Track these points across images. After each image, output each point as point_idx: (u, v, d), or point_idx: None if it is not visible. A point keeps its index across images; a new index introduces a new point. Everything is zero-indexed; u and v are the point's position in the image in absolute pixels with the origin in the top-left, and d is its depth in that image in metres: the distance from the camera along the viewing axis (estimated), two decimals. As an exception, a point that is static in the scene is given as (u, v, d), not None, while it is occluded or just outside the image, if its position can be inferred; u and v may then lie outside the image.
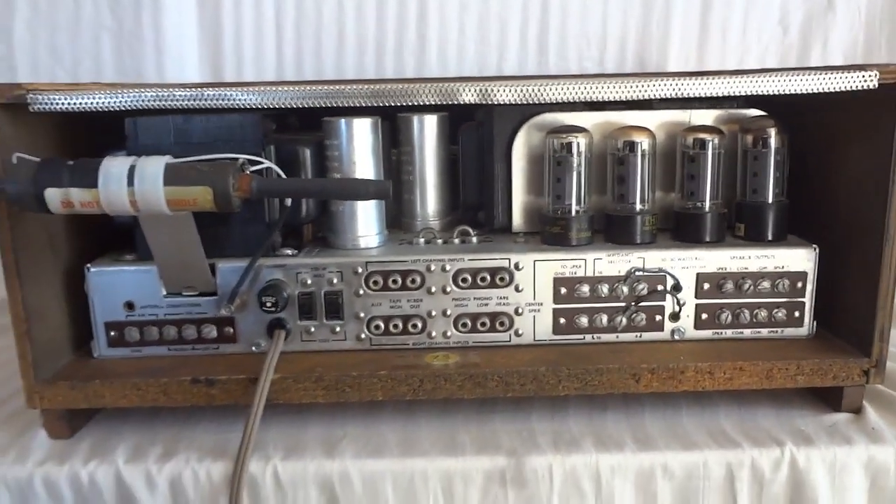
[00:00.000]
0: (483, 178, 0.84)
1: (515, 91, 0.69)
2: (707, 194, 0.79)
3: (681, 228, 0.80)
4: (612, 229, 0.79)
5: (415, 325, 0.76)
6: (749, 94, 0.70)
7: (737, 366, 0.73)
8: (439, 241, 0.80)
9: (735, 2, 1.16)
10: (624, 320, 0.77)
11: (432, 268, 0.75)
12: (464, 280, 0.75)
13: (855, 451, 0.69)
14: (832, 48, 1.17)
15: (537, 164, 0.81)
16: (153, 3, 1.14)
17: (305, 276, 0.74)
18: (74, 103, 0.67)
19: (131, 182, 0.64)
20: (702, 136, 0.78)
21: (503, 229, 0.83)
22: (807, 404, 0.77)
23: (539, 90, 0.69)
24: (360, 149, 0.76)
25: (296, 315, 0.75)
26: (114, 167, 0.64)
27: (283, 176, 0.71)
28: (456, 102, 0.70)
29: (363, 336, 0.76)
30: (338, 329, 0.76)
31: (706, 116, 0.81)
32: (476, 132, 0.84)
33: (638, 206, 0.78)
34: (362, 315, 0.76)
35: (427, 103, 0.69)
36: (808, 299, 0.77)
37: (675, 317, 0.77)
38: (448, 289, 0.75)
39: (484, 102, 0.70)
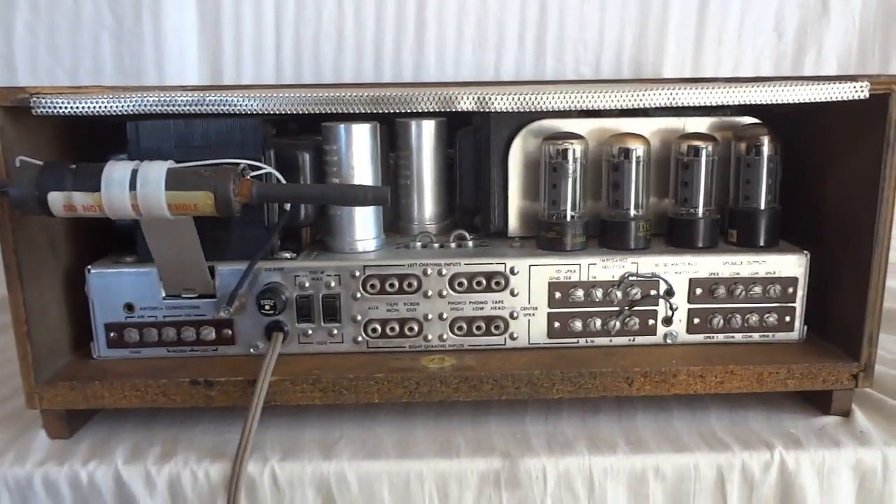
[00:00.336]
0: (480, 183, 0.85)
1: (513, 99, 0.70)
2: (700, 201, 0.80)
3: (674, 234, 0.81)
4: (607, 235, 0.80)
5: (411, 329, 0.77)
6: (742, 103, 0.71)
7: (728, 369, 0.74)
8: (436, 245, 0.81)
9: (731, 8, 1.17)
10: (617, 324, 0.78)
11: (429, 271, 0.76)
12: (460, 284, 0.76)
13: (843, 453, 0.70)
14: (826, 54, 1.18)
15: (533, 170, 0.82)
16: (153, 3, 1.15)
17: (303, 280, 0.75)
18: (77, 107, 0.68)
19: (133, 186, 0.64)
20: (696, 143, 0.79)
21: (499, 234, 0.84)
22: (797, 408, 0.79)
23: (536, 98, 0.70)
24: (359, 154, 0.77)
25: (294, 318, 0.76)
26: (116, 171, 0.65)
27: (283, 181, 0.72)
28: (454, 110, 0.70)
29: (360, 339, 0.77)
30: (335, 332, 0.77)
31: (700, 124, 0.83)
32: (473, 137, 0.85)
33: (632, 212, 0.79)
34: (359, 318, 0.76)
35: (425, 110, 0.70)
36: (798, 304, 0.78)
37: (667, 321, 0.78)
38: (444, 292, 0.76)
39: (481, 110, 0.71)
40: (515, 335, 0.78)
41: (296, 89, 0.71)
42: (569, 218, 0.79)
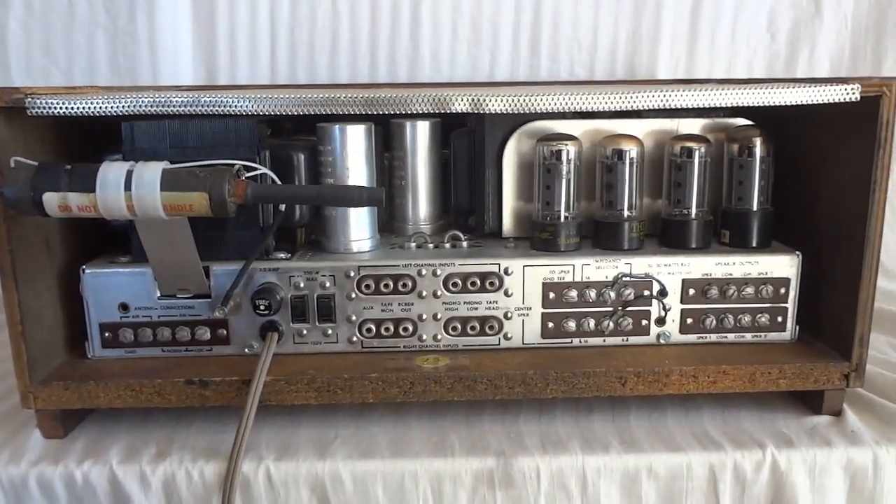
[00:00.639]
0: (474, 184, 0.86)
1: (507, 101, 0.70)
2: (693, 202, 0.80)
3: (667, 235, 0.82)
4: (601, 235, 0.81)
5: (406, 329, 0.77)
6: (735, 105, 0.71)
7: (720, 369, 0.74)
8: (430, 245, 0.81)
9: (724, 9, 1.18)
10: (611, 325, 0.78)
11: (423, 272, 0.76)
12: (454, 284, 0.77)
13: (835, 453, 0.71)
14: (819, 55, 1.19)
15: (527, 171, 0.82)
16: (147, 3, 1.15)
17: (298, 280, 0.76)
18: (72, 107, 0.68)
19: (129, 187, 0.64)
20: (689, 144, 0.80)
21: (493, 234, 0.85)
22: (789, 407, 0.79)
23: (531, 100, 0.70)
24: (354, 154, 0.77)
25: (288, 318, 0.76)
26: (111, 172, 0.65)
27: (278, 181, 0.72)
28: (448, 111, 0.71)
29: (355, 339, 0.77)
30: (330, 332, 0.77)
31: (693, 125, 0.83)
32: (468, 138, 0.86)
33: (626, 213, 0.80)
34: (354, 318, 0.77)
35: (420, 112, 0.70)
36: (790, 305, 0.79)
37: (660, 321, 0.79)
38: (439, 293, 0.77)
39: (476, 111, 0.71)
40: (509, 335, 0.78)
41: (290, 90, 0.72)
42: (563, 219, 0.79)
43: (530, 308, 0.78)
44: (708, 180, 0.81)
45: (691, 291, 0.78)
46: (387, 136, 0.86)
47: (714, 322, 0.79)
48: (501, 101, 0.70)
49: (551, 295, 0.77)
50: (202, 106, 0.69)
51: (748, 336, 0.79)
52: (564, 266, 0.77)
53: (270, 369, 0.72)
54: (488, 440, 0.73)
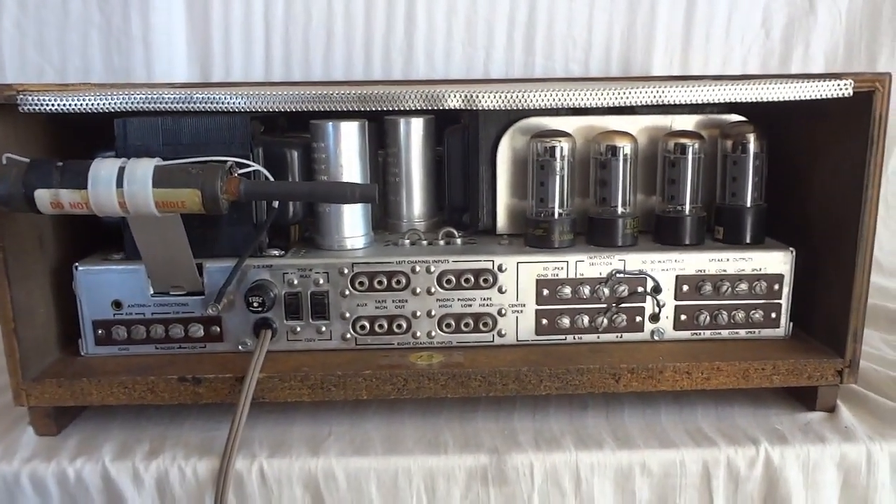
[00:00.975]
0: (468, 181, 0.85)
1: (500, 97, 0.70)
2: (687, 198, 0.80)
3: (661, 231, 0.82)
4: (594, 232, 0.81)
5: (399, 326, 0.77)
6: (729, 101, 0.71)
7: (714, 366, 0.74)
8: (424, 242, 0.81)
9: (718, 6, 1.17)
10: (605, 321, 0.78)
11: (417, 269, 0.76)
12: (448, 281, 0.76)
13: (828, 449, 0.71)
14: (814, 52, 1.19)
15: (521, 168, 0.82)
16: (141, 1, 1.14)
17: (292, 277, 0.75)
18: (64, 104, 0.68)
19: (120, 184, 0.64)
20: (682, 140, 0.80)
21: (487, 231, 0.85)
22: (782, 404, 0.79)
23: (524, 96, 0.70)
24: (347, 151, 0.77)
25: (282, 315, 0.76)
26: (103, 169, 0.65)
27: (271, 178, 0.72)
28: (442, 108, 0.71)
29: (348, 336, 0.77)
30: (323, 329, 0.77)
31: (687, 121, 0.83)
32: (461, 135, 0.85)
33: (620, 210, 0.80)
34: (348, 315, 0.77)
35: (413, 108, 0.70)
36: (784, 301, 0.79)
37: (654, 318, 0.79)
38: (432, 290, 0.76)
39: (469, 108, 0.71)
40: (503, 332, 0.78)
41: (284, 87, 0.71)
42: (556, 215, 0.79)
43: (524, 305, 0.78)
44: (702, 177, 0.81)
45: (685, 288, 0.78)
46: (381, 133, 0.86)
47: (708, 318, 0.79)
48: (494, 97, 0.70)
49: (545, 292, 0.77)
50: (195, 102, 0.69)
51: (742, 332, 0.79)
52: (558, 263, 0.77)
53: (264, 366, 0.72)
54: (482, 437, 0.73)
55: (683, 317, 0.79)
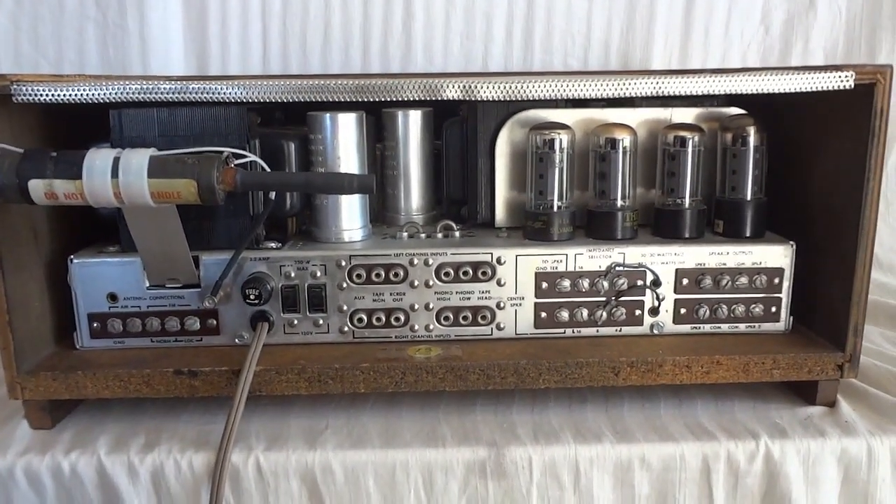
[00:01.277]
0: (466, 174, 0.85)
1: (499, 87, 0.70)
2: (687, 191, 0.80)
3: (661, 225, 0.81)
4: (594, 225, 0.80)
5: (397, 319, 0.76)
6: (728, 92, 0.71)
7: (714, 360, 0.74)
8: (423, 235, 0.80)
9: (718, 1, 1.17)
10: (604, 315, 0.78)
11: (415, 262, 0.76)
12: (446, 274, 0.76)
13: (828, 443, 0.71)
14: (813, 47, 1.19)
15: (520, 160, 0.82)
16: (138, -6, 1.14)
17: (289, 269, 0.75)
18: (59, 95, 0.67)
19: (115, 174, 0.64)
20: (682, 133, 0.79)
21: (486, 224, 0.84)
22: (782, 398, 0.79)
23: (522, 87, 0.70)
24: (345, 143, 0.76)
25: (279, 308, 0.76)
26: (98, 159, 0.64)
27: (268, 169, 0.71)
28: (440, 98, 0.70)
29: (346, 329, 0.77)
30: (321, 322, 0.76)
31: (687, 114, 0.83)
32: (460, 128, 0.85)
33: (619, 203, 0.79)
34: (345, 308, 0.76)
35: (411, 99, 0.70)
36: (784, 295, 0.78)
37: (654, 311, 0.78)
38: (431, 283, 0.76)
39: (467, 98, 0.71)
40: (502, 325, 0.78)
41: (280, 79, 0.71)
42: (555, 208, 0.79)
43: (523, 298, 0.77)
44: (701, 170, 0.81)
45: (685, 281, 0.78)
46: (379, 126, 0.86)
47: (708, 312, 0.78)
48: (493, 87, 0.70)
49: (544, 285, 0.77)
50: (190, 93, 0.69)
51: (742, 326, 0.79)
52: (557, 256, 0.77)
53: (260, 359, 0.71)
54: (480, 431, 0.73)
55: (683, 310, 0.78)
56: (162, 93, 0.69)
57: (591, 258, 0.77)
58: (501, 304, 0.77)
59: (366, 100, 0.70)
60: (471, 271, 0.76)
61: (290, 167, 0.76)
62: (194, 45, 1.17)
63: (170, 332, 0.76)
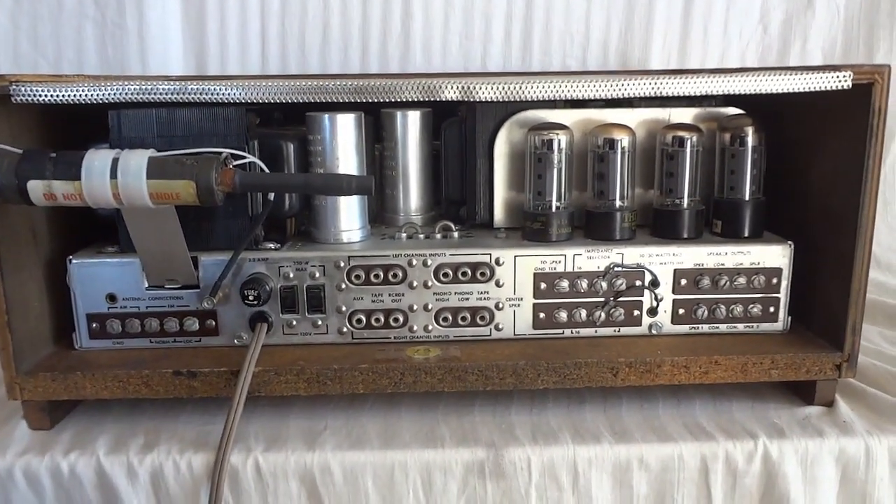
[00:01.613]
0: (465, 174, 0.85)
1: (497, 88, 0.70)
2: (685, 191, 0.80)
3: (659, 225, 0.81)
4: (592, 225, 0.80)
5: (396, 319, 0.76)
6: (727, 93, 0.71)
7: (712, 360, 0.74)
8: (421, 236, 0.80)
9: (716, 1, 1.17)
10: (602, 315, 0.78)
11: (414, 262, 0.76)
12: (445, 275, 0.76)
13: (827, 443, 0.71)
14: (811, 47, 1.19)
15: (519, 161, 0.82)
16: (137, -6, 1.14)
17: (288, 270, 0.75)
18: (58, 95, 0.67)
19: (114, 175, 0.64)
20: (681, 134, 0.79)
21: (484, 225, 0.84)
22: (781, 398, 0.79)
23: (521, 87, 0.70)
24: (344, 144, 0.76)
25: (278, 308, 0.76)
26: (97, 160, 0.64)
27: (266, 170, 0.71)
28: (438, 99, 0.70)
29: (345, 330, 0.77)
30: (320, 322, 0.76)
31: (685, 114, 0.83)
32: (458, 128, 0.85)
33: (617, 203, 0.79)
34: (344, 309, 0.76)
35: (409, 100, 0.70)
36: (783, 295, 0.79)
37: (652, 312, 0.78)
38: (429, 283, 0.76)
39: (466, 99, 0.71)
40: (500, 326, 0.78)
41: (279, 79, 0.71)
42: (554, 209, 0.79)
43: (521, 299, 0.77)
44: (700, 170, 0.81)
45: (683, 282, 0.78)
46: (377, 126, 0.86)
47: (706, 312, 0.78)
48: (492, 88, 0.70)
49: (542, 285, 0.77)
50: (189, 94, 0.69)
51: (740, 326, 0.79)
52: (556, 256, 0.77)
53: (259, 360, 0.71)
54: (479, 431, 0.73)
55: (681, 311, 0.78)
56: (161, 93, 0.69)
57: (589, 259, 0.77)
58: (500, 305, 0.77)
59: (364, 100, 0.70)
60: (469, 272, 0.76)
61: (288, 168, 0.76)
62: (193, 44, 1.17)
63: (169, 332, 0.76)
